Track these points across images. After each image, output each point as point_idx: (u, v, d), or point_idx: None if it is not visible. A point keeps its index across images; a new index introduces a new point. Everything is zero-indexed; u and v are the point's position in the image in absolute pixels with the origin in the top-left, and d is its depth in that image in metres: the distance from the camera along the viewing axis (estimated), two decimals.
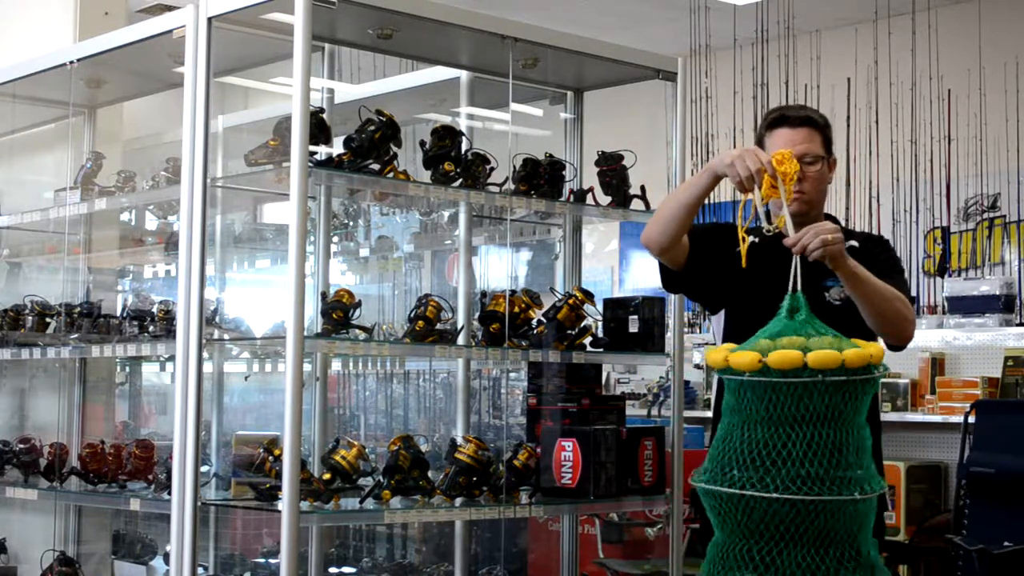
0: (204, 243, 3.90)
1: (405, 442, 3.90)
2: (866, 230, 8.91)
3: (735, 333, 3.44)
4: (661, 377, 7.94)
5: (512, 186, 4.27)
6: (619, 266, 11.38)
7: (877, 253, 3.67)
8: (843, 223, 3.82)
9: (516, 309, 4.21)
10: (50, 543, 5.04)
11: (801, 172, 3.43)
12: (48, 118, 5.40)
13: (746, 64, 9.50)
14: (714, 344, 3.41)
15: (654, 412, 7.93)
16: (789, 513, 2.62)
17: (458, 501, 3.99)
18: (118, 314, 4.84)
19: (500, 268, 5.58)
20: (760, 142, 3.57)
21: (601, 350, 4.42)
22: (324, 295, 4.10)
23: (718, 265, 3.55)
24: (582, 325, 4.34)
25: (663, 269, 3.67)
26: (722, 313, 3.74)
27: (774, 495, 2.61)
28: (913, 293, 8.14)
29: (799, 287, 2.96)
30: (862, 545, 2.71)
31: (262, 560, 4.94)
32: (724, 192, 3.56)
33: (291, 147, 3.58)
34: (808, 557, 2.62)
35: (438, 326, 4.11)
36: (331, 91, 4.67)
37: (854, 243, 3.62)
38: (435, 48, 4.43)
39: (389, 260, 6.35)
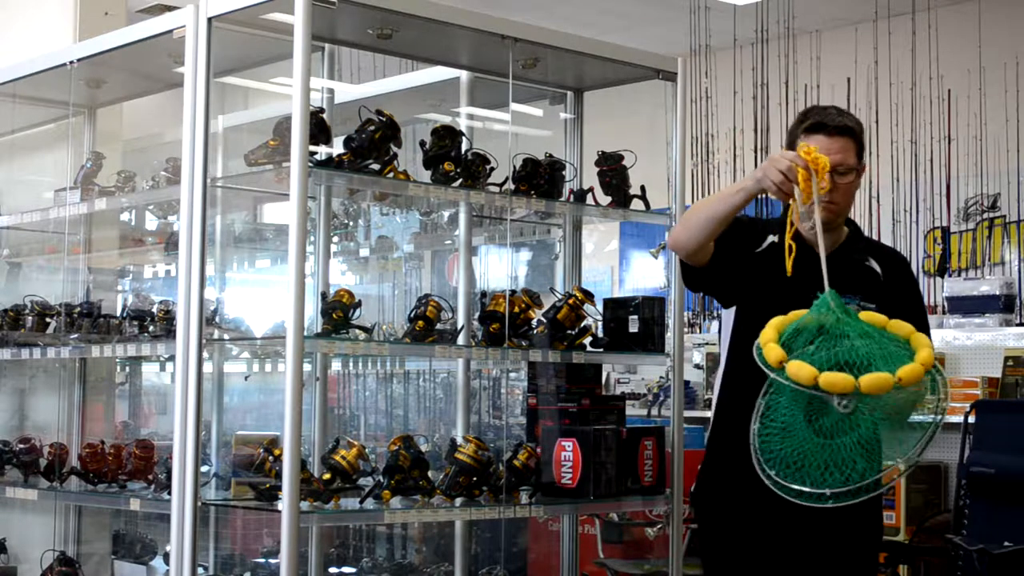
0: (204, 243, 3.91)
1: (405, 442, 3.90)
2: (867, 232, 8.94)
3: (745, 328, 3.43)
4: (661, 377, 7.93)
5: (512, 186, 4.27)
6: (619, 266, 11.39)
7: (901, 285, 3.61)
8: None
9: (516, 309, 4.20)
10: (50, 543, 5.04)
11: (832, 182, 3.35)
12: (48, 118, 5.40)
13: (746, 64, 9.50)
14: (715, 344, 3.42)
15: (654, 412, 7.92)
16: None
17: (458, 501, 3.98)
18: (118, 314, 4.83)
19: (500, 268, 5.57)
20: (792, 144, 3.49)
21: (601, 350, 4.42)
22: (324, 295, 4.10)
23: (740, 262, 3.53)
24: (582, 325, 4.34)
25: (684, 268, 3.64)
26: (733, 307, 3.72)
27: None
28: None
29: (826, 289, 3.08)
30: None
31: (262, 560, 4.94)
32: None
33: (291, 147, 3.58)
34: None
35: (438, 326, 4.11)
36: (331, 91, 4.67)
37: (873, 264, 3.58)
38: (435, 48, 4.43)
39: (389, 260, 6.34)
